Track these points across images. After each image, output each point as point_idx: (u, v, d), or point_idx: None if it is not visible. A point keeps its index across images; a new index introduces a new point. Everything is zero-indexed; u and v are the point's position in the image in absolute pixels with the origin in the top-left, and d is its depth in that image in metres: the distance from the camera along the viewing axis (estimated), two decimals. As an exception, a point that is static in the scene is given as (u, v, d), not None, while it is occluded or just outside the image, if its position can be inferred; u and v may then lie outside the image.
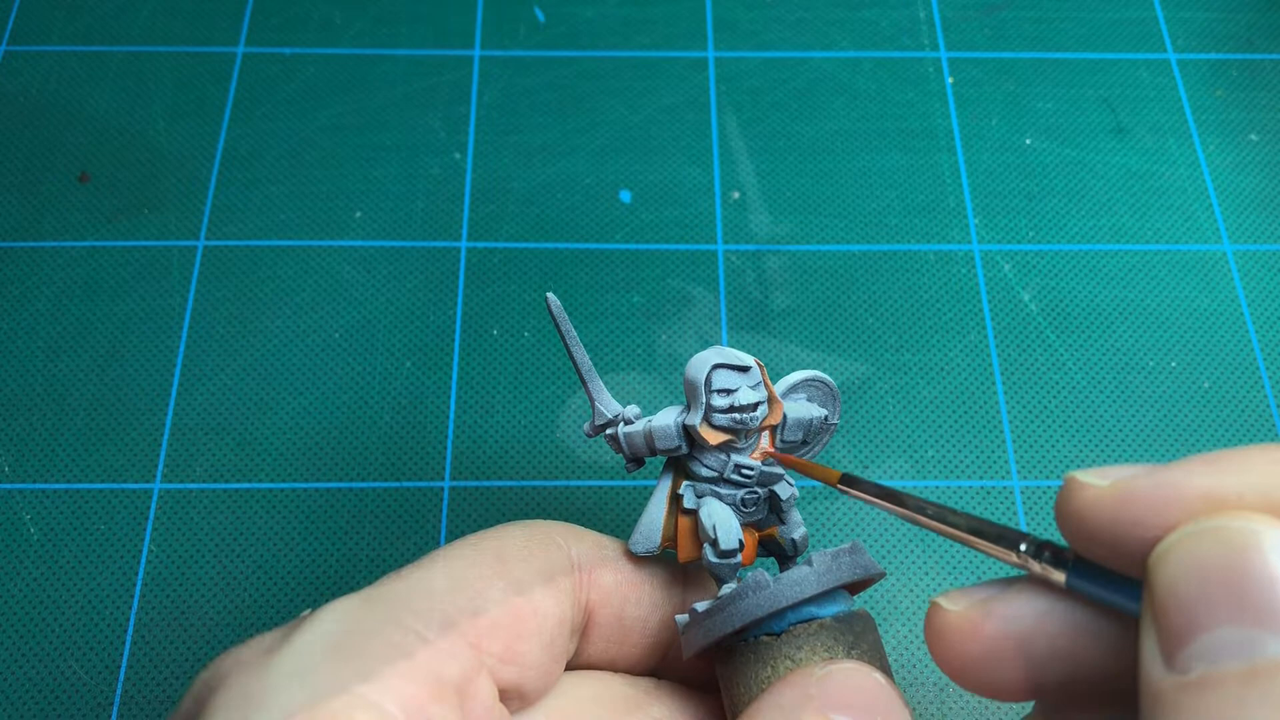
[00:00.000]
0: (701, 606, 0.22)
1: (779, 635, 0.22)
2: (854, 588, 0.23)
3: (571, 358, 0.25)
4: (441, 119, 0.39)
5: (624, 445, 0.24)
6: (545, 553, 0.23)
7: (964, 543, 0.20)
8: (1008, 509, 0.32)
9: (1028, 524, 0.32)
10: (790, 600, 0.21)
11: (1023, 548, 0.19)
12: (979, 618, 0.19)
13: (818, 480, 0.23)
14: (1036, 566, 0.19)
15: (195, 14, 0.40)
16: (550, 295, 0.25)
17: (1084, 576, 0.18)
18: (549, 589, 0.22)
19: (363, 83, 0.39)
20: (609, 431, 0.25)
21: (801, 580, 0.22)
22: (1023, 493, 0.33)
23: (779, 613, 0.22)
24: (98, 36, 0.40)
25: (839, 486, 0.22)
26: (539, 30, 0.40)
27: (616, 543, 0.24)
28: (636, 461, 0.25)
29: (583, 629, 0.24)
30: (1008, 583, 0.19)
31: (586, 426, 0.25)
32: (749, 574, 0.22)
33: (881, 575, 0.23)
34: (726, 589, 0.22)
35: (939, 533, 0.20)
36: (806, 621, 0.22)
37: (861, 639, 0.22)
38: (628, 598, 0.24)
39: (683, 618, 0.23)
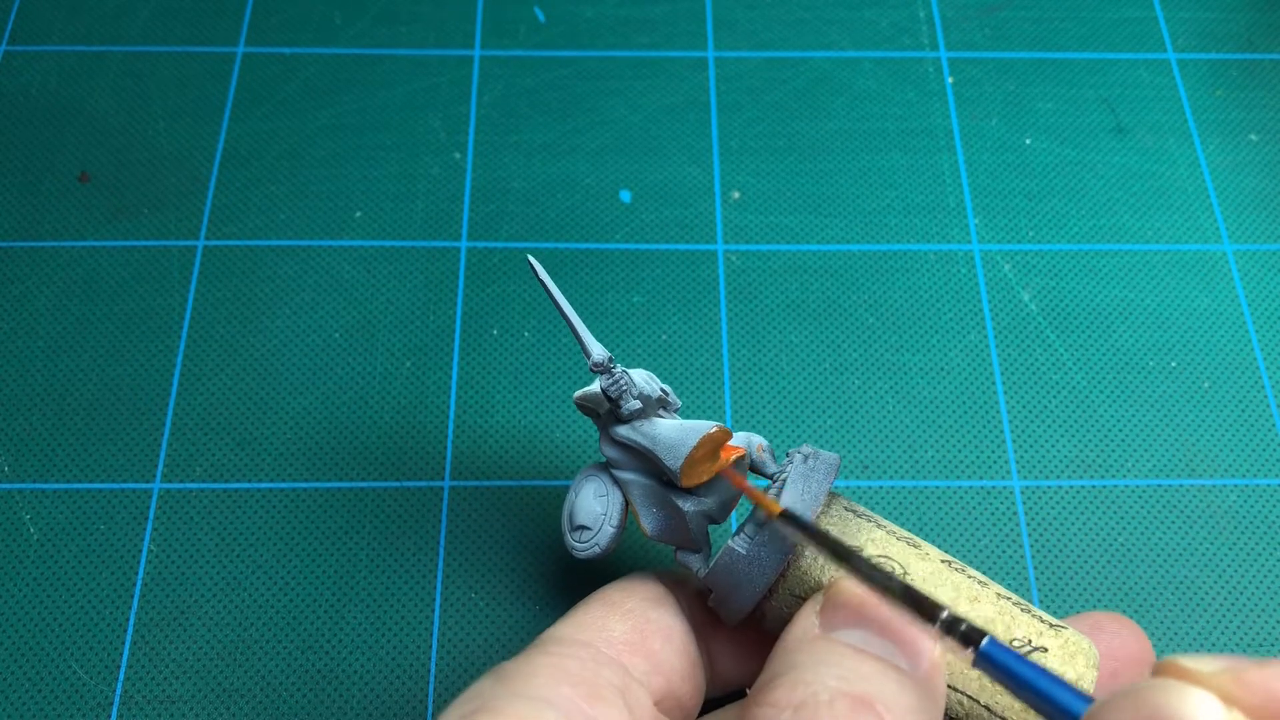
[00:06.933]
0: (694, 561, 0.24)
1: (776, 590, 0.23)
2: None
3: (560, 310, 0.26)
4: (441, 119, 0.39)
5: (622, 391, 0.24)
6: (644, 586, 0.25)
7: (889, 602, 0.21)
8: (1008, 509, 0.32)
9: (1028, 524, 0.32)
10: (779, 566, 0.22)
11: (943, 615, 0.20)
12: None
13: (760, 507, 0.23)
14: (949, 641, 0.20)
15: (195, 14, 0.40)
16: (531, 258, 0.26)
17: (993, 660, 0.19)
18: (660, 608, 0.24)
19: (363, 83, 0.39)
20: (614, 372, 0.25)
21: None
22: (1023, 492, 0.33)
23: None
24: (98, 36, 0.40)
25: (777, 520, 0.22)
26: (539, 30, 0.40)
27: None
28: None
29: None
30: None
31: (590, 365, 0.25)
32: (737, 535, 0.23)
33: (838, 461, 0.24)
34: (694, 562, 0.24)
35: (866, 586, 0.21)
36: (790, 561, 0.23)
37: (843, 538, 0.23)
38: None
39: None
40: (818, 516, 0.23)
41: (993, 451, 0.33)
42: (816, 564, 0.22)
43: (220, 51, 0.40)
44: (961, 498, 0.32)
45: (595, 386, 0.24)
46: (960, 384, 0.34)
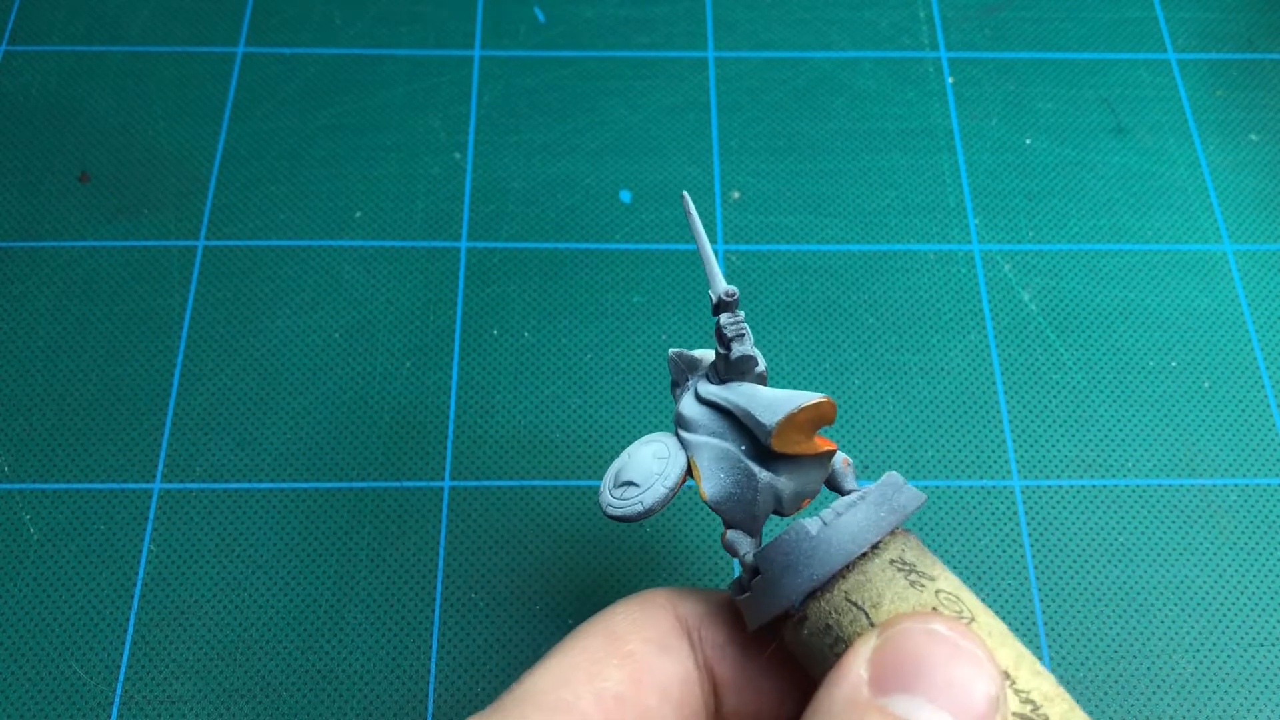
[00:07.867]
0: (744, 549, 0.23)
1: (829, 590, 0.21)
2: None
3: (696, 239, 0.24)
4: (441, 119, 0.39)
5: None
6: (653, 620, 0.23)
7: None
8: (1008, 509, 0.32)
9: (1028, 524, 0.32)
10: (848, 557, 0.21)
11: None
12: None
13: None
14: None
15: (195, 14, 0.40)
16: (685, 194, 0.25)
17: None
18: (665, 654, 0.22)
19: (363, 83, 0.39)
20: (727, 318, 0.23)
21: (852, 536, 0.21)
22: (1023, 492, 0.33)
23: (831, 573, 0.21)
24: (98, 36, 0.40)
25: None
26: (539, 30, 0.40)
27: (722, 594, 0.24)
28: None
29: (712, 688, 0.24)
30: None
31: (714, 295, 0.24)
32: (793, 524, 0.21)
33: (922, 501, 0.22)
34: (744, 544, 0.22)
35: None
36: (855, 563, 0.21)
37: (919, 563, 0.21)
38: (744, 646, 0.23)
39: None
40: (879, 545, 0.21)
41: (993, 451, 0.33)
42: (884, 574, 0.21)
43: (220, 51, 0.40)
44: (961, 498, 0.32)
45: (696, 352, 0.24)
46: (960, 384, 0.34)
